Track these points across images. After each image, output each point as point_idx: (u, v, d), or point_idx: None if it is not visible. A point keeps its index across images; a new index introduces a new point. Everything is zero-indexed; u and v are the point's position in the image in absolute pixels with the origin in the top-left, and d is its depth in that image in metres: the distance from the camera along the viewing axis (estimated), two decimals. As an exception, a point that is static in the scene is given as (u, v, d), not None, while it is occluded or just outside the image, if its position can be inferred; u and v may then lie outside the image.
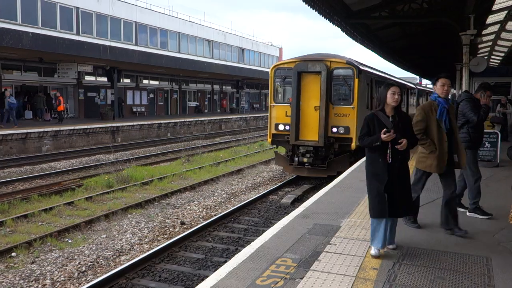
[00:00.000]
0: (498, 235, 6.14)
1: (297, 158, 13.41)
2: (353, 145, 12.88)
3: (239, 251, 7.14)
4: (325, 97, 12.89)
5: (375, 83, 15.76)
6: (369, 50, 21.93)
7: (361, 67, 13.66)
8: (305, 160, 13.27)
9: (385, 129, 4.96)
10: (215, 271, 5.18)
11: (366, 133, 5.22)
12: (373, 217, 5.22)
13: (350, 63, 13.25)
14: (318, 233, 6.19)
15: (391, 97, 5.11)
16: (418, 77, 57.99)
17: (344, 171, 11.40)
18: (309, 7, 12.65)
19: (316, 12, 13.15)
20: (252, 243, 5.78)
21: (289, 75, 13.52)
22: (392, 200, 5.10)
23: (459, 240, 5.88)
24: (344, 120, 13.06)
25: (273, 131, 14.00)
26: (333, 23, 14.98)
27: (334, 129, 13.06)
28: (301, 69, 13.20)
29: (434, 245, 5.69)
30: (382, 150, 5.08)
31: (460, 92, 19.83)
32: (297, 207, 7.71)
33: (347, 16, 14.80)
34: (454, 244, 5.73)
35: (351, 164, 12.72)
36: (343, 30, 16.26)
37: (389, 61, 27.81)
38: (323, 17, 13.87)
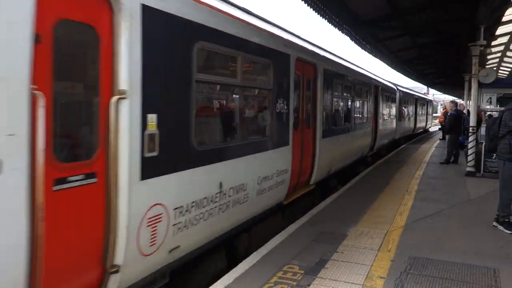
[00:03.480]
0: (506, 247, 6.12)
1: None
2: None
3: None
4: None
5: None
6: (377, 59, 21.97)
7: None
8: None
9: None
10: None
11: None
12: None
13: None
14: (325, 241, 6.20)
15: None
16: (426, 86, 57.94)
17: None
18: (319, 15, 12.70)
19: (326, 20, 13.21)
20: (259, 249, 5.80)
21: None
22: None
23: (467, 251, 5.86)
24: None
25: None
26: (342, 32, 15.02)
27: None
28: None
29: (441, 255, 5.68)
30: None
31: (469, 103, 19.80)
32: (304, 215, 7.72)
33: (356, 25, 14.84)
34: (461, 254, 5.71)
35: None
36: (352, 39, 16.29)
37: (397, 70, 27.80)
38: (332, 26, 13.93)
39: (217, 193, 4.94)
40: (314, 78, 8.53)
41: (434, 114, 57.51)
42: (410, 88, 28.82)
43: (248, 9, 6.47)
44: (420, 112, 31.11)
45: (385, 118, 18.07)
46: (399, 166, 14.10)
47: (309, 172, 8.39)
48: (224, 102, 6.08)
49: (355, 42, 16.87)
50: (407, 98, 25.35)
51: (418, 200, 8.93)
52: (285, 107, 6.90)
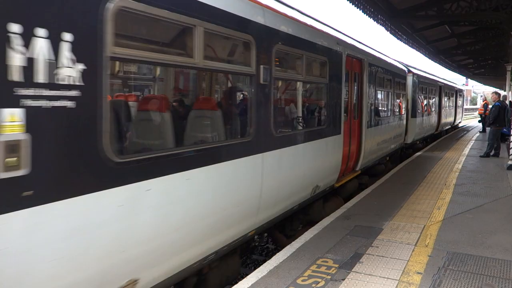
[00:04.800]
0: (551, 243, 5.86)
1: None
2: None
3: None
4: None
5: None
6: (414, 50, 21.41)
7: None
8: None
9: None
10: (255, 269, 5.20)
11: None
12: None
13: None
14: (360, 234, 6.11)
15: None
16: (464, 77, 56.10)
17: None
18: (353, 6, 12.47)
19: (360, 11, 12.94)
20: (293, 243, 5.77)
21: None
22: None
23: (508, 247, 5.65)
24: None
25: None
26: (377, 22, 14.69)
27: None
28: None
29: (481, 251, 5.50)
30: None
31: (510, 93, 19.07)
32: (339, 208, 7.64)
33: (392, 15, 14.48)
34: (503, 250, 5.51)
35: None
36: (387, 29, 15.91)
37: (434, 61, 27.04)
38: (367, 16, 13.64)
39: None
40: None
41: (469, 106, 52.73)
42: (433, 74, 22.50)
43: None
44: (446, 105, 24.27)
45: (383, 116, 11.67)
46: (437, 159, 13.74)
47: None
48: None
49: (391, 33, 16.48)
50: (427, 86, 18.65)
51: (457, 194, 8.67)
52: None
